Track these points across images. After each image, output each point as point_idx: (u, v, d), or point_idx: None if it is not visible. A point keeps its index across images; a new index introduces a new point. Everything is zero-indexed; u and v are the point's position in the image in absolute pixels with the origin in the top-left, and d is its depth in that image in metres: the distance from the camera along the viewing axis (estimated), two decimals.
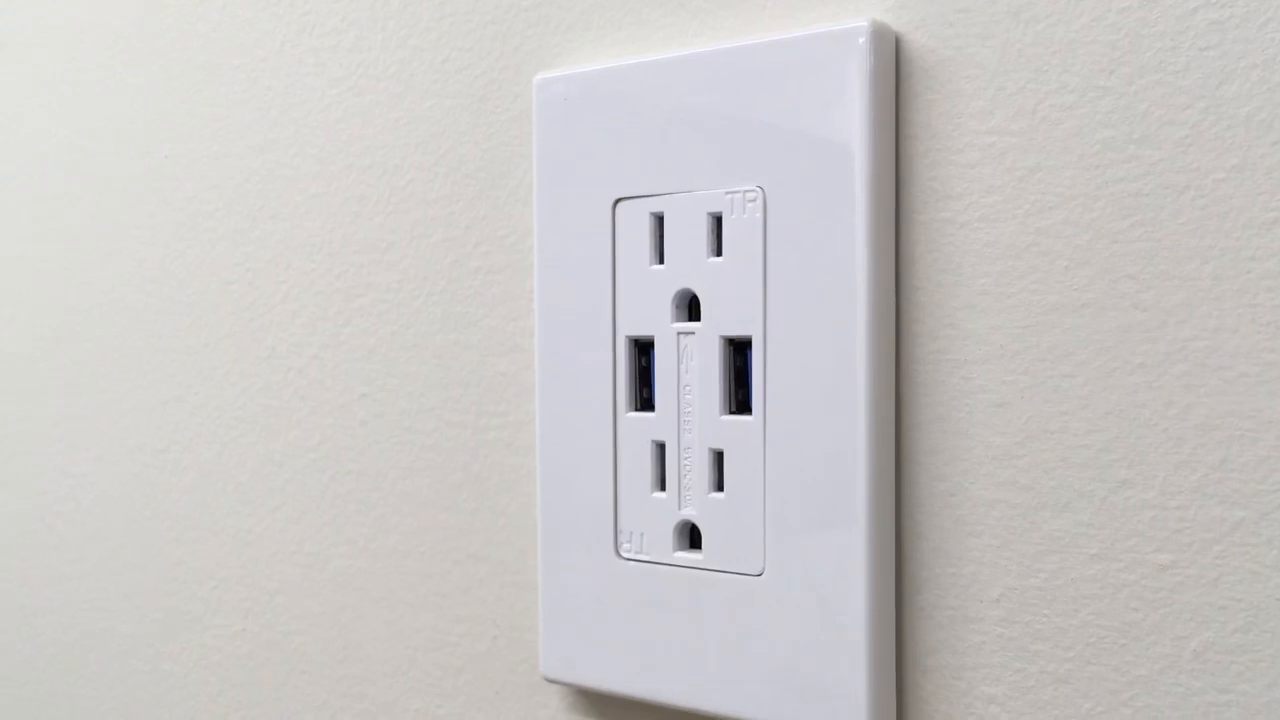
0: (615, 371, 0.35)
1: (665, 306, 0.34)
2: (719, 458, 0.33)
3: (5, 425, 0.56)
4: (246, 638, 0.47)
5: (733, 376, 0.33)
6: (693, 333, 0.33)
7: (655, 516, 0.34)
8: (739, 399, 0.33)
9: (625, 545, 0.35)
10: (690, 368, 0.34)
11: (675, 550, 0.34)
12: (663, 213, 0.34)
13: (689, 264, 0.33)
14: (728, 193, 0.32)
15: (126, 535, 0.51)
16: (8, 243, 0.55)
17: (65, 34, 0.52)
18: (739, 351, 0.33)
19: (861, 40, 0.30)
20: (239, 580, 0.47)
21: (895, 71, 0.31)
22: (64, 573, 0.54)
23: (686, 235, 0.33)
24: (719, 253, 0.33)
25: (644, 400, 0.35)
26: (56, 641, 0.54)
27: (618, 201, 0.35)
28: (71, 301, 0.52)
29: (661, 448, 0.34)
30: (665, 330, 0.34)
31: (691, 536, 0.34)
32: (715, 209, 0.33)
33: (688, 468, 0.34)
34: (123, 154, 0.50)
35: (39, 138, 0.53)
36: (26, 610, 0.55)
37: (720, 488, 0.33)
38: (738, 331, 0.33)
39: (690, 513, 0.34)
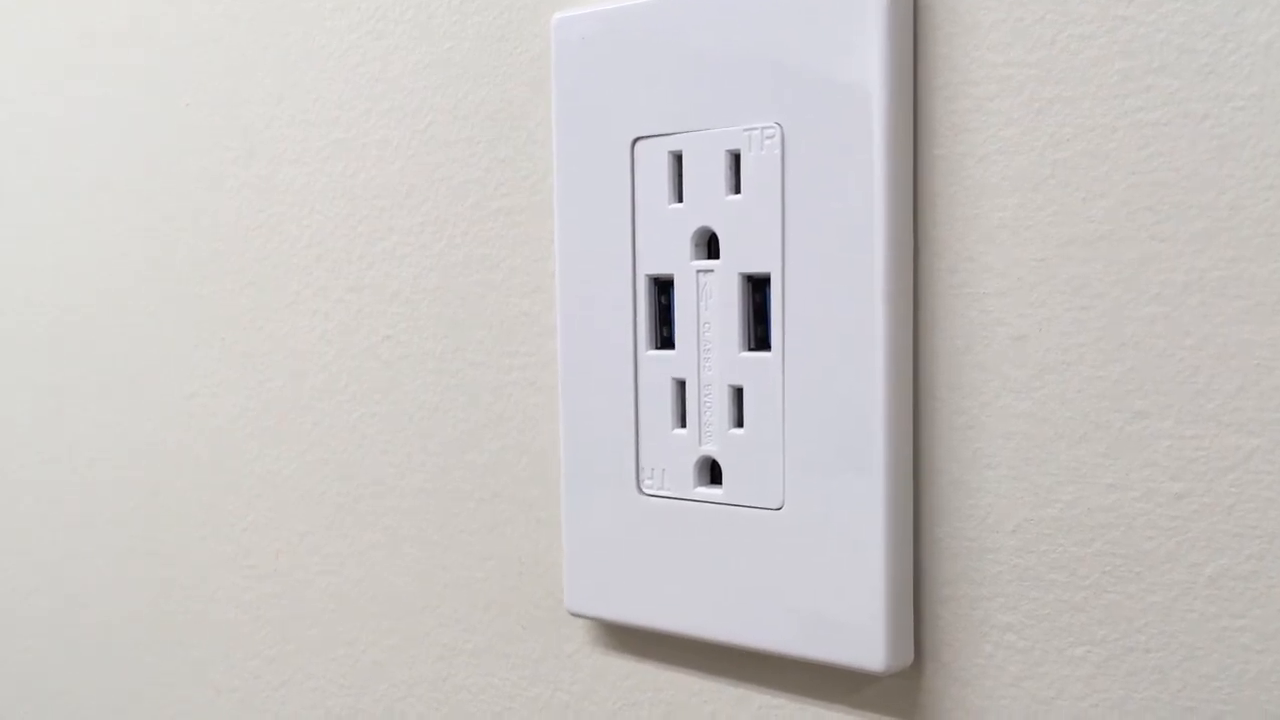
0: (635, 310, 0.35)
1: (685, 245, 0.34)
2: (739, 394, 0.34)
3: (36, 375, 0.57)
4: (278, 577, 0.48)
5: (752, 313, 0.33)
6: (712, 270, 0.34)
7: (676, 453, 0.35)
8: (758, 335, 0.33)
9: (647, 481, 0.35)
10: (710, 305, 0.34)
11: (696, 486, 0.35)
12: (681, 151, 0.34)
13: (708, 202, 0.34)
14: (745, 130, 0.33)
15: (157, 480, 0.52)
16: (31, 194, 0.56)
17: None
18: (758, 288, 0.33)
19: None
20: (269, 522, 0.48)
21: (913, 4, 0.31)
22: (94, 518, 0.55)
23: (705, 173, 0.33)
24: (738, 190, 0.33)
25: (664, 338, 0.35)
26: (91, 585, 0.56)
27: (636, 140, 0.35)
28: (95, 251, 0.53)
29: (682, 385, 0.35)
30: (685, 268, 0.34)
31: (712, 472, 0.35)
32: (733, 146, 0.33)
33: (708, 404, 0.34)
34: (144, 104, 0.50)
35: (58, 89, 0.54)
36: (59, 555, 0.57)
37: (740, 424, 0.34)
38: (757, 268, 0.33)
39: (711, 449, 0.34)
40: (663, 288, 0.35)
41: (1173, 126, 0.28)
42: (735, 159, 0.33)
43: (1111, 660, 0.30)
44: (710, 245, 0.34)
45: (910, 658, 0.32)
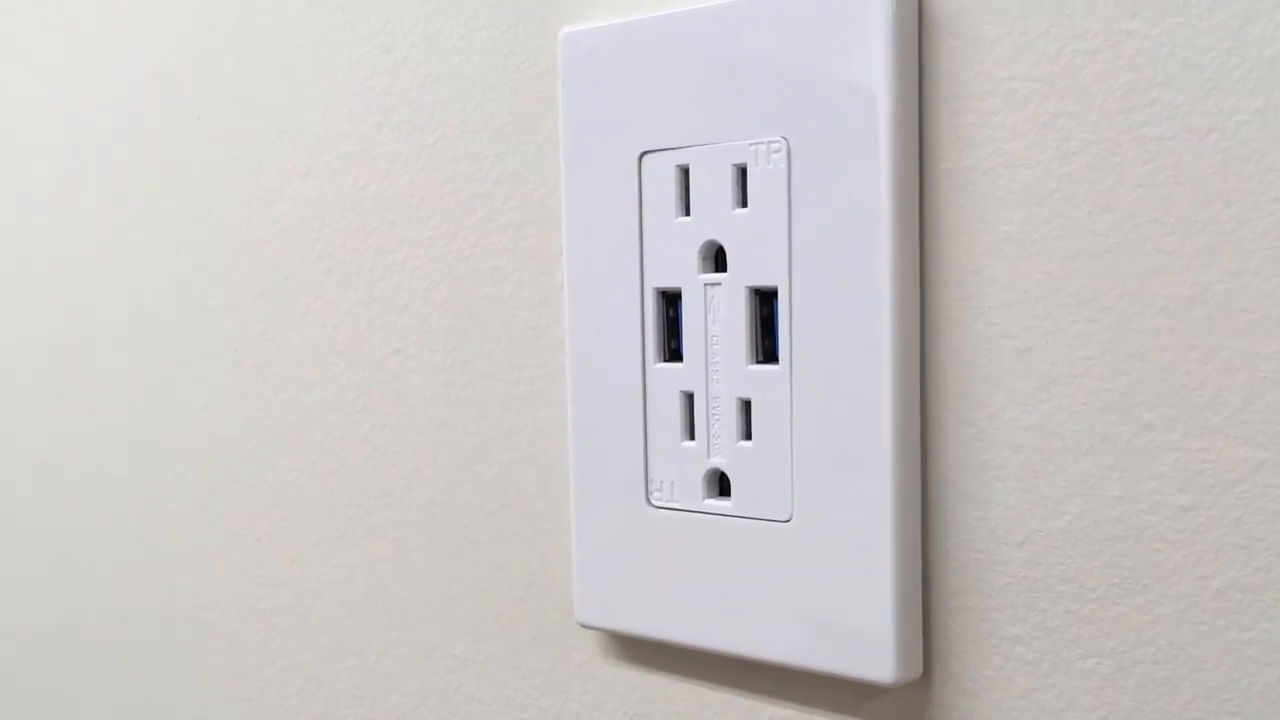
0: (644, 323, 0.35)
1: (692, 258, 0.34)
2: (747, 407, 0.34)
3: (46, 386, 0.57)
4: (291, 586, 0.48)
5: (759, 326, 0.34)
6: (719, 284, 0.34)
7: (685, 465, 0.35)
8: (766, 348, 0.34)
9: (656, 494, 0.36)
10: (717, 318, 0.34)
11: (705, 498, 0.35)
12: (688, 165, 0.34)
13: (715, 216, 0.34)
14: (752, 144, 0.33)
15: (171, 490, 0.52)
16: (41, 205, 0.56)
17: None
18: (765, 301, 0.33)
19: None
20: (282, 532, 0.48)
21: (918, 19, 0.31)
22: (107, 528, 0.55)
23: (712, 187, 0.34)
24: (744, 204, 0.33)
25: (672, 351, 0.35)
26: (103, 594, 0.56)
27: (643, 154, 0.35)
28: (106, 263, 0.53)
29: (690, 398, 0.35)
30: (692, 281, 0.34)
31: (721, 484, 0.35)
32: (740, 160, 0.33)
33: (716, 417, 0.34)
34: (154, 116, 0.51)
35: (69, 100, 0.54)
36: (72, 564, 0.57)
37: (748, 436, 0.34)
38: (764, 282, 0.33)
39: (719, 461, 0.34)
40: (670, 301, 0.35)
41: (1177, 140, 0.28)
42: (742, 173, 0.33)
43: (1120, 672, 0.30)
44: (718, 258, 0.34)
45: (919, 669, 0.32)
